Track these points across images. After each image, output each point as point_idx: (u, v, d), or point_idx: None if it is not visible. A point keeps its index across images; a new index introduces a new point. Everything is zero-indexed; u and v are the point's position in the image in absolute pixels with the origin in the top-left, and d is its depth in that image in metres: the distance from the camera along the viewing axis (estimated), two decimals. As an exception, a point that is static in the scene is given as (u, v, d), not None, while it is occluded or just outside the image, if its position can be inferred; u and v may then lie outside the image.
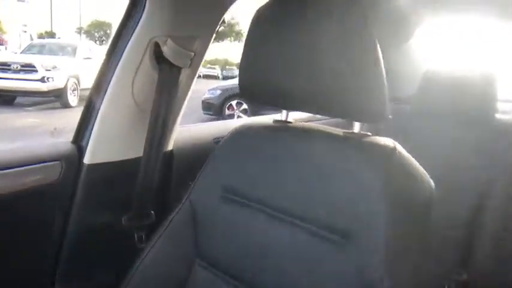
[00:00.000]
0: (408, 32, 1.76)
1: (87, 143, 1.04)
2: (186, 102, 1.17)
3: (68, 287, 1.07)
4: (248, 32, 0.76)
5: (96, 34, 35.83)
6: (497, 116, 1.38)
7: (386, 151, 0.67)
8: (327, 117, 0.82)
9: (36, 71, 7.69)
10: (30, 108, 7.93)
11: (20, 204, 0.95)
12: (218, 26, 1.10)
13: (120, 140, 1.07)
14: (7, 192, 0.92)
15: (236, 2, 1.09)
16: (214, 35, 1.11)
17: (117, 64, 1.01)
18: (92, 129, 1.04)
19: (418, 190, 0.67)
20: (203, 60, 1.16)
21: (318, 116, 1.00)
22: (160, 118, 1.03)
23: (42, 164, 0.97)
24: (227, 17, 1.12)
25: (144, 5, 0.97)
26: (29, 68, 7.74)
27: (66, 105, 7.97)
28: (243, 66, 0.77)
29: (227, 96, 7.40)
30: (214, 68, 26.31)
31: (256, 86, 0.77)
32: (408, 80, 1.68)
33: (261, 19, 0.74)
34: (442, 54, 2.00)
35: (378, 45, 0.64)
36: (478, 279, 1.27)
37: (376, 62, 0.63)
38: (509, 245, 1.26)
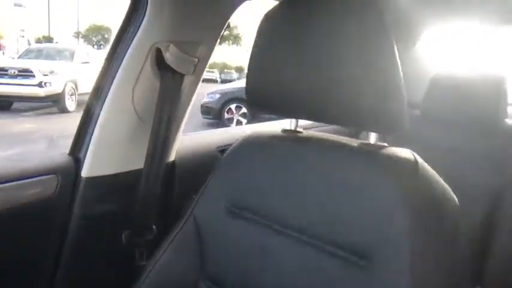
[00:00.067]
0: (414, 36, 1.72)
1: (85, 154, 0.99)
2: (189, 110, 1.12)
3: None
4: (255, 37, 0.72)
5: (93, 38, 35.93)
6: (508, 121, 1.35)
7: (407, 165, 0.63)
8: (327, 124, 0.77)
9: (34, 76, 7.66)
10: (27, 114, 7.91)
11: (13, 221, 0.89)
12: (223, 31, 1.05)
13: (120, 152, 1.02)
14: None
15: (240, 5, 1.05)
16: (218, 40, 1.06)
17: (117, 71, 0.96)
18: (89, 140, 0.99)
19: (443, 207, 0.62)
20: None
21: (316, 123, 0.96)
22: (162, 128, 0.98)
23: (36, 178, 0.92)
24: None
25: (145, 9, 0.92)
26: (26, 73, 7.71)
27: (63, 110, 7.94)
28: (250, 73, 0.73)
29: (226, 100, 7.43)
30: (212, 72, 26.49)
31: (264, 94, 0.73)
32: (416, 84, 1.64)
33: (269, 23, 0.71)
34: (451, 58, 1.96)
35: (396, 49, 0.59)
36: None
37: (394, 67, 0.59)
38: None
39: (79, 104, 8.00)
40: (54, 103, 7.98)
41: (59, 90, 7.82)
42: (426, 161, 0.65)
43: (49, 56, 8.81)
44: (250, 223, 0.71)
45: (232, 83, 10.27)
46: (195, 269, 0.76)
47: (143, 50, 0.95)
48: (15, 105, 8.18)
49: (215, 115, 7.42)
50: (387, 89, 0.60)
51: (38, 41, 25.23)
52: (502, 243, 1.24)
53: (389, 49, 0.59)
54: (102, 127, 0.98)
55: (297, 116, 0.77)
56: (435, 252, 0.59)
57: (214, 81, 22.08)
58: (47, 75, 7.73)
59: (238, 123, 7.34)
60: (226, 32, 1.07)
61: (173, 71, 0.96)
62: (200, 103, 7.46)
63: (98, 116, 0.98)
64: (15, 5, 31.02)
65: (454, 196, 0.64)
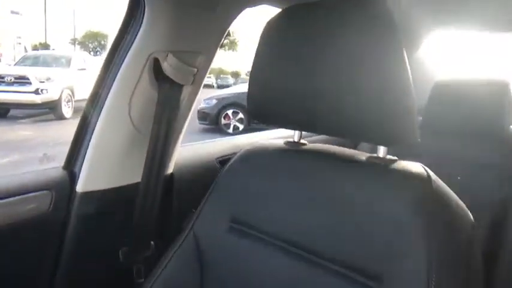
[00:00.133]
0: (416, 41, 1.69)
1: (80, 168, 0.96)
2: (188, 121, 1.09)
3: None
4: (258, 46, 0.70)
5: (90, 45, 35.94)
6: None
7: (420, 181, 0.60)
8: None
9: (30, 83, 7.64)
10: (24, 121, 7.88)
11: (5, 240, 0.86)
12: (222, 40, 1.02)
13: (116, 165, 0.98)
14: None
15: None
16: (218, 49, 1.03)
17: (113, 82, 0.93)
18: (85, 153, 0.96)
19: (459, 224, 0.59)
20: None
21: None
22: (161, 140, 0.95)
23: (29, 195, 0.88)
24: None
25: (142, 18, 0.89)
26: (22, 80, 7.69)
27: (60, 117, 7.92)
28: (252, 83, 0.71)
29: (223, 106, 7.42)
30: (209, 77, 26.57)
31: (267, 105, 0.71)
32: (418, 90, 1.61)
33: (271, 32, 0.68)
34: (453, 64, 1.94)
35: (407, 58, 0.56)
36: None
37: (405, 77, 0.56)
38: None
39: (76, 110, 7.99)
40: (50, 110, 7.96)
41: (56, 97, 7.81)
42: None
43: (46, 62, 8.80)
44: (252, 240, 0.68)
45: (228, 88, 10.26)
46: (195, 287, 0.73)
47: (140, 60, 0.91)
48: (12, 112, 8.16)
49: (212, 121, 7.41)
50: (397, 101, 0.57)
51: (35, 48, 25.23)
52: (510, 253, 1.21)
53: (399, 58, 0.56)
54: (98, 140, 0.95)
55: (301, 128, 0.74)
56: (452, 274, 0.55)
57: (211, 86, 22.13)
58: (43, 82, 7.72)
59: (235, 128, 7.34)
60: (226, 40, 1.04)
61: (171, 82, 0.93)
62: (197, 109, 7.44)
63: (94, 128, 0.95)
64: (12, 12, 31.00)
65: (469, 212, 0.62)
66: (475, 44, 1.91)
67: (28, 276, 0.91)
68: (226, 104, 7.40)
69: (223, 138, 1.49)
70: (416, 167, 0.63)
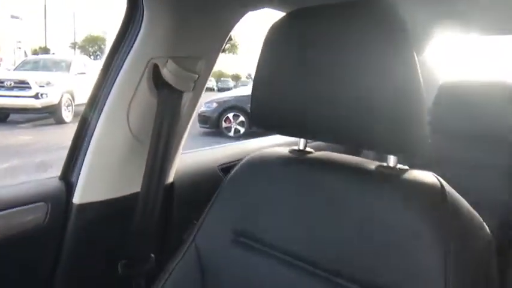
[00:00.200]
0: (420, 46, 1.66)
1: (77, 179, 0.92)
2: (189, 128, 1.05)
3: None
4: (261, 50, 0.67)
5: (90, 49, 36.00)
6: None
7: (434, 192, 0.57)
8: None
9: (30, 87, 7.66)
10: (23, 125, 7.89)
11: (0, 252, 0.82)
12: (224, 45, 0.98)
13: (115, 175, 0.95)
14: None
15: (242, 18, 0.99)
16: (219, 54, 1.00)
17: (110, 89, 0.90)
18: (82, 163, 0.92)
19: (476, 237, 0.57)
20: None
21: None
22: (160, 149, 0.91)
23: (24, 207, 0.85)
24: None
25: (141, 22, 0.86)
26: (22, 84, 7.70)
27: (60, 121, 7.92)
28: (256, 90, 0.68)
29: (224, 109, 7.42)
30: (210, 80, 26.49)
31: (271, 113, 0.68)
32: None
33: (275, 37, 0.66)
34: (460, 65, 1.92)
35: (418, 63, 0.54)
36: None
37: (417, 84, 0.53)
38: None
39: (76, 114, 8.01)
40: (50, 114, 7.97)
41: (56, 102, 7.82)
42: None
43: (46, 67, 8.81)
44: (256, 253, 0.66)
45: (229, 91, 10.29)
46: None
47: (139, 66, 0.88)
48: (12, 116, 8.18)
49: (213, 124, 7.41)
50: (409, 109, 0.54)
51: (35, 52, 25.30)
52: None
53: (411, 62, 0.53)
54: (95, 149, 0.91)
55: (306, 136, 0.72)
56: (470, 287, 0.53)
57: (211, 89, 22.18)
58: (43, 86, 7.74)
59: (236, 131, 7.34)
60: (227, 45, 1.00)
61: (172, 88, 0.90)
62: (197, 112, 7.41)
63: (91, 137, 0.91)
64: (12, 17, 31.09)
65: (485, 225, 0.60)
66: (477, 46, 1.88)
67: (23, 287, 0.88)
68: (227, 107, 7.41)
69: (226, 145, 1.45)
70: (428, 177, 0.60)
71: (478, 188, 1.22)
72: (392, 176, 0.60)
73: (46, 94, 7.69)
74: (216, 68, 1.02)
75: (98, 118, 0.91)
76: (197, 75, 0.94)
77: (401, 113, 0.55)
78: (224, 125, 7.40)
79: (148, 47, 0.87)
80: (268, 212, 0.67)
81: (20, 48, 26.79)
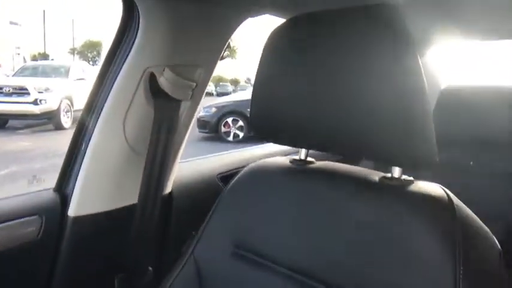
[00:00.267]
0: (421, 51, 1.65)
1: (72, 191, 0.90)
2: (187, 138, 1.03)
3: None
4: (260, 58, 0.66)
5: (89, 54, 36.06)
6: None
7: (441, 204, 0.55)
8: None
9: (29, 93, 7.66)
10: (22, 131, 7.88)
11: None
12: (222, 52, 0.96)
13: (111, 187, 0.92)
14: None
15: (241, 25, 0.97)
16: (218, 62, 0.98)
17: (106, 99, 0.88)
18: (77, 174, 0.90)
19: (486, 251, 0.56)
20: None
21: None
22: (158, 159, 0.90)
23: (17, 221, 0.83)
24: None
25: (137, 30, 0.84)
26: (21, 90, 7.70)
27: (59, 127, 7.91)
28: (255, 98, 0.67)
29: (223, 114, 7.43)
30: (209, 85, 26.49)
31: (271, 122, 0.67)
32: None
33: (274, 43, 0.64)
34: (461, 70, 1.90)
35: (423, 72, 0.52)
36: None
37: (423, 92, 0.52)
38: None
39: (74, 120, 8.01)
40: (49, 120, 7.96)
41: (54, 107, 7.81)
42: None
43: (44, 73, 8.83)
44: (256, 266, 0.64)
45: (228, 96, 10.29)
46: None
47: (135, 75, 0.86)
48: (11, 122, 8.17)
49: (212, 129, 7.42)
50: (414, 118, 0.53)
51: (34, 58, 25.38)
52: None
53: (418, 73, 0.52)
54: (90, 160, 0.89)
55: (307, 146, 0.70)
56: None
57: (210, 94, 22.18)
58: (42, 92, 7.74)
59: (235, 136, 7.35)
60: (226, 52, 0.98)
61: (169, 97, 0.88)
62: (196, 117, 7.41)
63: (86, 148, 0.89)
64: (11, 23, 31.21)
65: (494, 238, 0.58)
66: (479, 51, 1.87)
67: None
68: (225, 112, 7.42)
69: (224, 153, 1.43)
70: (435, 188, 0.58)
71: (485, 197, 1.20)
72: (397, 188, 0.59)
73: (45, 100, 7.68)
74: (215, 72, 1.00)
75: (93, 129, 0.89)
76: (195, 84, 0.92)
77: (405, 125, 0.53)
78: (223, 129, 7.40)
79: (144, 55, 0.85)
80: (268, 223, 0.66)
81: (19, 54, 26.86)
